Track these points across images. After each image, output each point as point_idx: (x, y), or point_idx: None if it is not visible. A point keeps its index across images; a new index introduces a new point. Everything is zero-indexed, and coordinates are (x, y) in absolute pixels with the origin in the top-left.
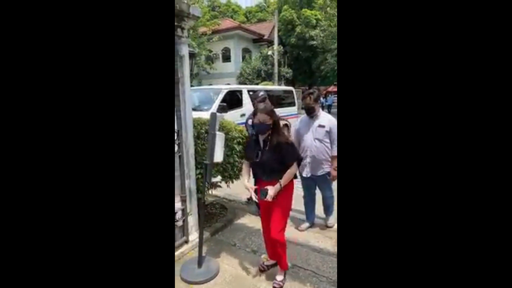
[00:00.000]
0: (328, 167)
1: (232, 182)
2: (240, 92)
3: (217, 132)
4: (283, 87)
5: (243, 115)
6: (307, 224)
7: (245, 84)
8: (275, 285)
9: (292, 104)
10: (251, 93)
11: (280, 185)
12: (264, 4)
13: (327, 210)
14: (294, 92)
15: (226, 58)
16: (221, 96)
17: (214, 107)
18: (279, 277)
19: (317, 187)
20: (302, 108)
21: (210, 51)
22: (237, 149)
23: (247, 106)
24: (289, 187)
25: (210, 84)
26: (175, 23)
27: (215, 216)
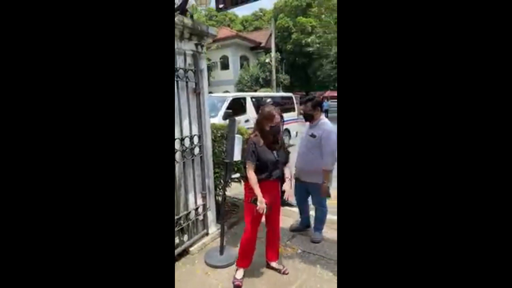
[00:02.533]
0: (318, 179)
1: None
2: (244, 99)
3: (236, 135)
4: (283, 93)
5: (247, 120)
6: (297, 225)
7: (243, 91)
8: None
9: (292, 109)
10: (253, 99)
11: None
12: (260, 13)
13: (316, 223)
14: (294, 98)
15: (225, 66)
16: (226, 104)
17: (220, 114)
18: (277, 264)
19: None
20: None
21: (209, 59)
22: None
23: (251, 112)
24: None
25: (210, 92)
26: (196, 42)
27: (228, 212)
